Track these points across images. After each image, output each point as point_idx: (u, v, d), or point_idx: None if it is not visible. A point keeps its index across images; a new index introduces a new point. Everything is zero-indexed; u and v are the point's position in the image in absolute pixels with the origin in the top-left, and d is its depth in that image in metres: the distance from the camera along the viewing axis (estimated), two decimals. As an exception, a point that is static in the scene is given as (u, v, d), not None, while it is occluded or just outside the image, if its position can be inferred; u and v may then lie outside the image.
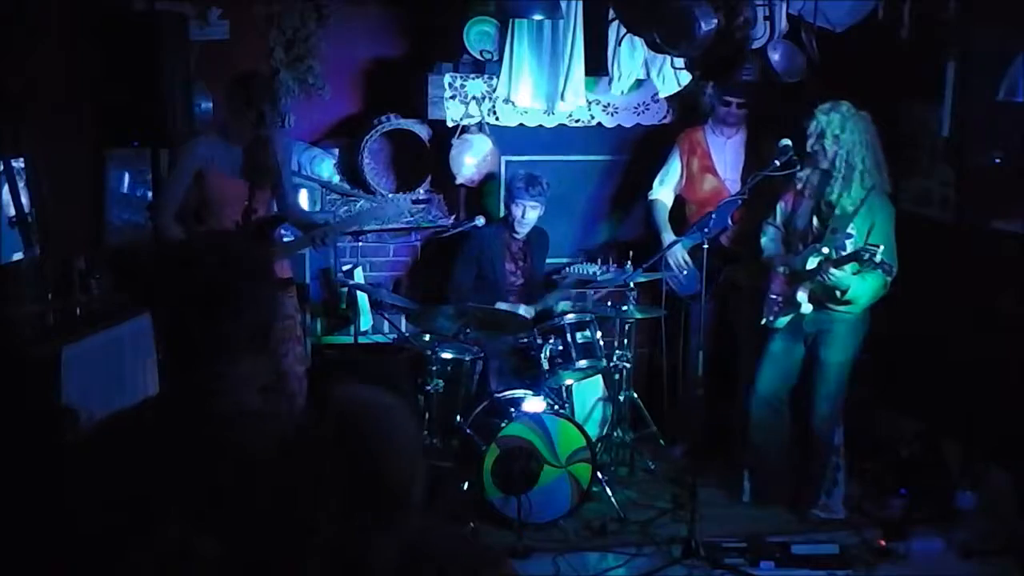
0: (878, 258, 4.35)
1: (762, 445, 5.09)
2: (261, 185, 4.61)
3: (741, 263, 5.42)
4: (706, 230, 4.67)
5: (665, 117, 5.93)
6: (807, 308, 4.78)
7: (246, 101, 4.49)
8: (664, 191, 5.66)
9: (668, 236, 5.55)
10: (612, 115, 5.88)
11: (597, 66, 5.61)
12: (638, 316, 5.37)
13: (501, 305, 5.39)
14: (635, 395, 5.53)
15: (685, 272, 5.52)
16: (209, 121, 5.26)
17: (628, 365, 5.38)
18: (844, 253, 4.56)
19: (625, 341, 5.40)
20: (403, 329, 5.57)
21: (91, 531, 1.70)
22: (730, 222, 5.28)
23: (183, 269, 1.82)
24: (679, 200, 5.69)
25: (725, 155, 5.54)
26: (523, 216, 5.42)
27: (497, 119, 5.75)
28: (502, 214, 5.60)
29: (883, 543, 4.63)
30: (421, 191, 5.75)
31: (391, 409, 1.67)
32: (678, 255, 5.47)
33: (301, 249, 5.09)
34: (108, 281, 4.70)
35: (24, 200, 4.18)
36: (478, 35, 5.60)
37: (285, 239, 5.04)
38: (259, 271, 1.87)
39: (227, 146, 4.60)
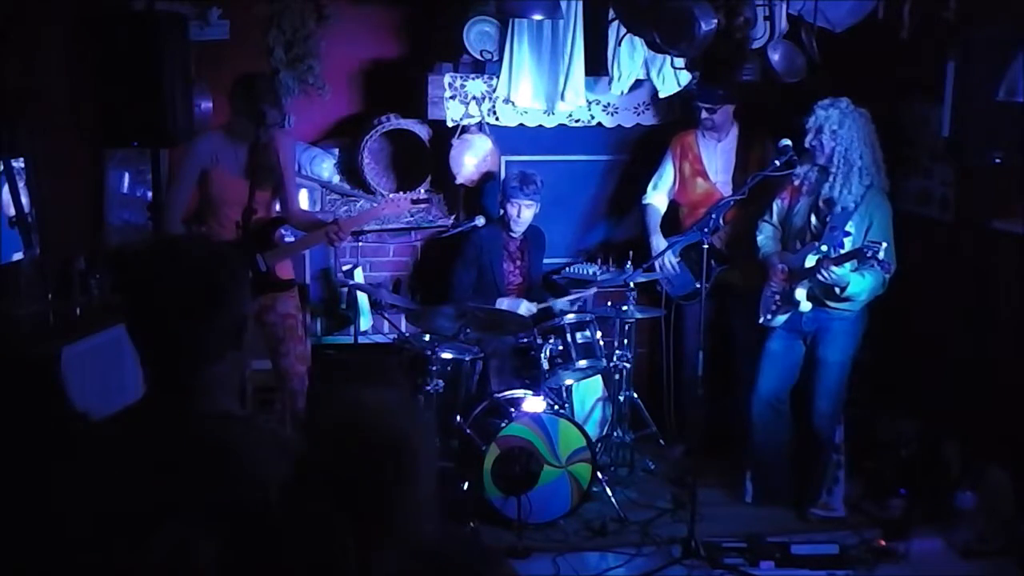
0: (880, 255, 4.35)
1: (764, 445, 5.09)
2: (262, 186, 4.62)
3: (735, 264, 5.42)
4: (706, 230, 4.67)
5: (664, 118, 5.93)
6: (806, 306, 4.78)
7: (249, 102, 4.51)
8: (657, 195, 5.67)
9: (657, 241, 5.57)
10: (612, 115, 5.88)
11: (597, 66, 5.61)
12: (638, 316, 5.37)
13: (502, 302, 5.39)
14: (635, 395, 5.52)
15: (675, 272, 5.53)
16: (209, 121, 5.27)
17: (628, 365, 5.37)
18: (843, 251, 4.56)
19: (625, 341, 5.40)
20: (403, 329, 5.57)
21: (86, 535, 1.70)
22: (722, 222, 5.28)
23: (155, 272, 1.81)
24: (673, 203, 5.70)
25: (716, 158, 5.54)
26: (518, 215, 5.42)
27: (497, 119, 5.75)
28: (500, 214, 5.60)
29: (883, 543, 4.63)
30: (422, 191, 5.75)
31: (409, 419, 1.66)
32: (667, 258, 5.47)
33: (311, 247, 5.09)
34: (108, 281, 4.70)
35: (24, 200, 4.19)
36: (478, 35, 5.60)
37: (286, 239, 5.04)
38: (235, 269, 1.87)
39: (231, 146, 4.62)
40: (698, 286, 5.10)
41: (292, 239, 5.05)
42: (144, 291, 1.81)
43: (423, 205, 5.54)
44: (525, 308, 5.38)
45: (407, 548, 1.59)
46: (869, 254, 4.37)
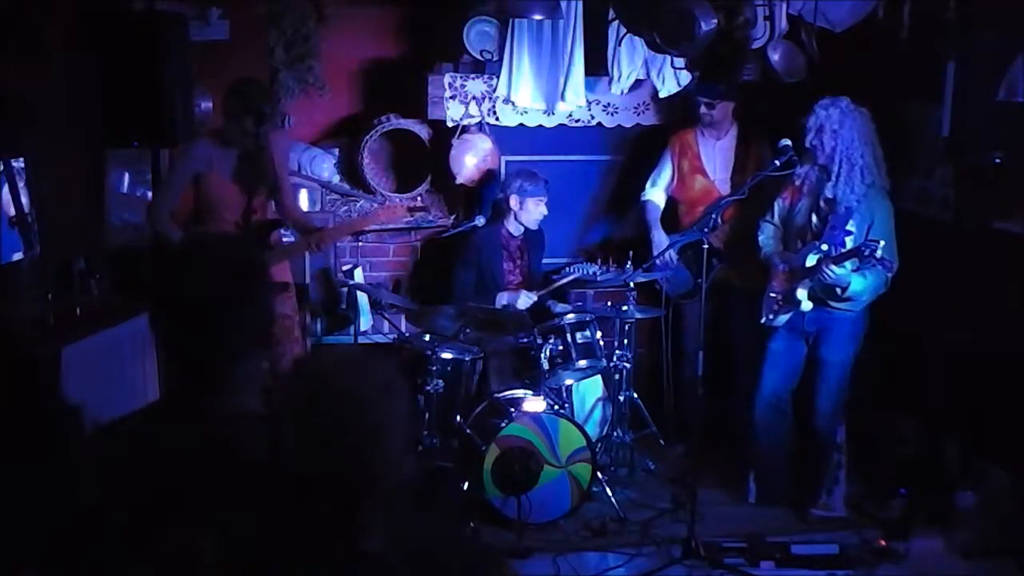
0: (879, 254, 4.35)
1: (767, 446, 5.09)
2: (259, 188, 4.62)
3: (734, 263, 5.42)
4: (706, 230, 4.67)
5: (664, 118, 5.93)
6: (807, 306, 4.78)
7: (242, 107, 4.51)
8: (655, 192, 5.68)
9: (658, 236, 5.58)
10: (612, 115, 5.88)
11: (597, 66, 5.61)
12: (638, 316, 5.37)
13: (502, 296, 5.39)
14: (635, 395, 5.52)
15: (673, 266, 5.54)
16: (209, 121, 5.27)
17: (628, 365, 5.37)
18: (843, 250, 4.56)
19: (625, 341, 5.40)
20: (403, 329, 5.57)
21: (95, 531, 1.70)
22: (720, 221, 5.27)
23: (187, 271, 1.82)
24: (671, 200, 5.70)
25: (715, 156, 5.55)
26: (541, 213, 5.43)
27: (497, 119, 5.75)
28: (510, 213, 5.57)
29: (883, 543, 4.62)
30: (420, 197, 5.73)
31: (370, 373, 1.63)
32: (668, 255, 5.48)
33: (296, 253, 5.08)
34: (108, 281, 4.70)
35: (24, 200, 4.18)
36: (478, 35, 5.59)
37: (285, 239, 5.04)
38: (260, 273, 1.87)
39: (224, 151, 4.62)
40: (696, 284, 5.10)
41: (293, 239, 5.05)
42: (177, 291, 1.81)
43: (419, 214, 5.53)
44: (524, 298, 5.38)
45: (391, 520, 1.57)
46: (867, 252, 4.37)
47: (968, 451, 5.00)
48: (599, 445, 5.24)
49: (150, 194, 5.18)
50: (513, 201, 5.46)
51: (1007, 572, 4.51)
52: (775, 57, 4.87)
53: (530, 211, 5.44)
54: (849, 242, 4.61)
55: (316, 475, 1.55)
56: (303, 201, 5.63)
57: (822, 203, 4.79)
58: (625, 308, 5.32)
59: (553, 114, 5.76)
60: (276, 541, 1.56)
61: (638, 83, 5.72)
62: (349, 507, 1.56)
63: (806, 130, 4.70)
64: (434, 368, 4.87)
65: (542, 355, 5.04)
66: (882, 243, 4.37)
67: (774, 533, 4.74)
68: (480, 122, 5.72)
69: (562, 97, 5.56)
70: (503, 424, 4.78)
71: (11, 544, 1.80)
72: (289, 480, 1.56)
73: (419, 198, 5.82)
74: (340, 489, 1.55)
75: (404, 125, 5.71)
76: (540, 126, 5.83)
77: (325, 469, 1.55)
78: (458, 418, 4.94)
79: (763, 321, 4.99)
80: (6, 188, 4.16)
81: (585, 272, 5.70)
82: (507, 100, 5.65)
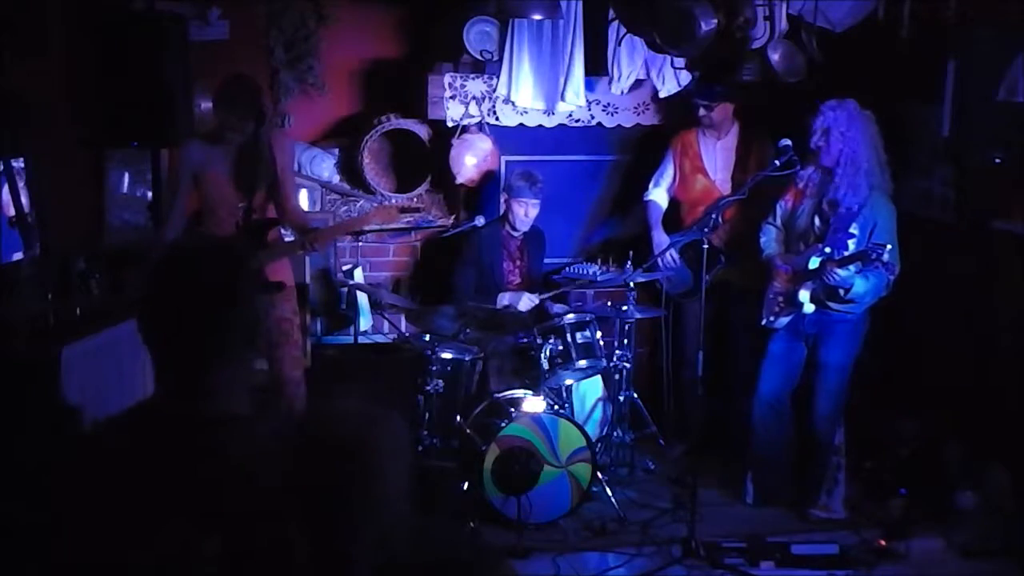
0: (885, 257, 4.35)
1: (765, 447, 5.09)
2: (258, 186, 4.61)
3: (734, 263, 5.42)
4: (706, 230, 4.67)
5: (664, 118, 5.94)
6: (809, 308, 4.78)
7: (230, 104, 4.51)
8: (658, 192, 5.68)
9: (659, 236, 5.58)
10: (612, 115, 5.88)
11: (597, 66, 5.61)
12: (638, 316, 5.37)
13: (503, 296, 5.39)
14: (635, 395, 5.52)
15: (674, 266, 5.54)
16: (209, 121, 5.27)
17: (628, 365, 5.37)
18: (847, 253, 4.56)
19: (625, 341, 5.40)
20: (403, 329, 5.57)
21: (90, 532, 1.70)
22: (720, 220, 5.27)
23: (172, 273, 1.81)
24: (673, 200, 5.71)
25: (715, 156, 5.55)
26: (525, 215, 5.43)
27: (497, 119, 5.75)
28: (503, 212, 5.58)
29: (883, 543, 4.62)
30: (415, 199, 5.73)
31: (372, 425, 1.66)
32: (669, 255, 5.49)
33: (290, 253, 5.07)
34: (108, 281, 4.70)
35: (24, 200, 4.18)
36: (478, 35, 5.59)
37: (286, 238, 5.03)
38: (248, 275, 1.86)
39: (220, 150, 4.61)
40: (696, 283, 5.10)
41: (294, 239, 5.05)
42: (162, 295, 1.80)
43: (413, 215, 5.52)
44: (527, 300, 5.38)
45: (383, 554, 1.58)
46: (874, 256, 4.37)
47: (968, 451, 5.00)
48: (599, 445, 5.24)
49: (150, 194, 5.18)
50: (502, 200, 5.47)
51: (1007, 572, 4.51)
52: (775, 57, 4.87)
53: (515, 212, 5.44)
54: (851, 245, 4.61)
55: (306, 518, 1.57)
56: (303, 201, 5.63)
57: (825, 205, 4.79)
58: (625, 308, 5.32)
59: (553, 114, 5.76)
60: (267, 546, 1.56)
61: (638, 83, 5.72)
62: (338, 553, 1.58)
63: (812, 131, 4.70)
64: (434, 368, 4.87)
65: (542, 355, 5.04)
66: (888, 247, 4.37)
67: (774, 533, 4.73)
68: (480, 122, 5.72)
69: (562, 97, 5.56)
70: (503, 424, 4.77)
71: (10, 544, 1.80)
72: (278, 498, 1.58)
73: (419, 198, 5.82)
74: (328, 534, 1.57)
75: (404, 125, 5.71)
76: (540, 126, 5.83)
77: (316, 512, 1.57)
78: (458, 418, 4.94)
79: (764, 322, 4.99)
80: (6, 188, 4.16)
81: (584, 273, 5.71)
82: (507, 100, 5.66)
